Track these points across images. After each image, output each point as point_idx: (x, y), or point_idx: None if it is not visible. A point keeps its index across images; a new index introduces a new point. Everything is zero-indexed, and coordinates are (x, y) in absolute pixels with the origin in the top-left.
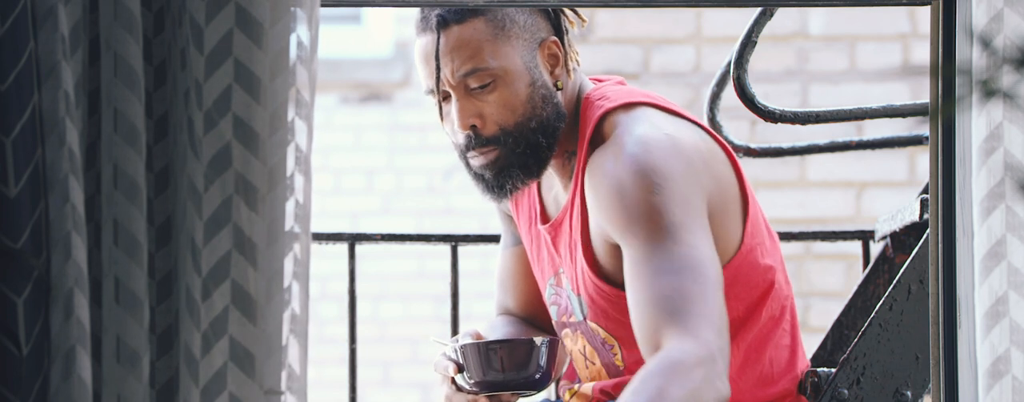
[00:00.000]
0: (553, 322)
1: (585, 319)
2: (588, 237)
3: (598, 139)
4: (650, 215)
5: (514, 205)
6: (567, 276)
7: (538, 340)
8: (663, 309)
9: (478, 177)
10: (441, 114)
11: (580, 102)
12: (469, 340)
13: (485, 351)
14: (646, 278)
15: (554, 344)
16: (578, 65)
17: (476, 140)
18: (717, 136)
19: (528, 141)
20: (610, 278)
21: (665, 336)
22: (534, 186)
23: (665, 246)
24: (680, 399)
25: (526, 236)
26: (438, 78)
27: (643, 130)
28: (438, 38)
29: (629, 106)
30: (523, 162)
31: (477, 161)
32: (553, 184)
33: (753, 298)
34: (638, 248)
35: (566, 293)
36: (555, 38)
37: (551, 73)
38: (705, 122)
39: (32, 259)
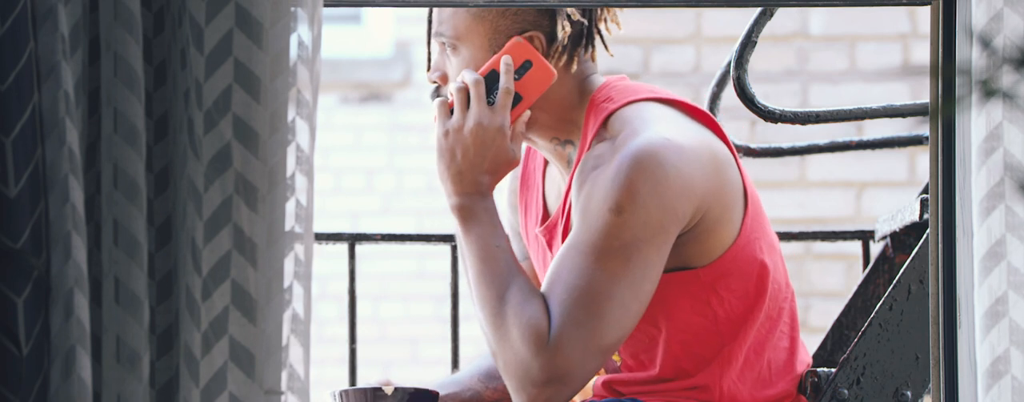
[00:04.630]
0: None
1: None
2: (569, 227)
3: (602, 137)
4: (600, 228)
5: (522, 205)
6: None
7: (412, 389)
8: (560, 304)
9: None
10: None
11: (584, 100)
12: (365, 386)
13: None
14: (564, 270)
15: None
16: (576, 68)
17: (436, 92)
18: (720, 129)
19: None
20: None
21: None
22: (540, 186)
23: (596, 255)
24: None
25: (531, 241)
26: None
27: (645, 136)
28: None
29: (632, 103)
30: None
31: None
32: (556, 179)
33: (750, 294)
34: (576, 242)
35: None
36: (538, 34)
37: None
38: None
39: (32, 259)
